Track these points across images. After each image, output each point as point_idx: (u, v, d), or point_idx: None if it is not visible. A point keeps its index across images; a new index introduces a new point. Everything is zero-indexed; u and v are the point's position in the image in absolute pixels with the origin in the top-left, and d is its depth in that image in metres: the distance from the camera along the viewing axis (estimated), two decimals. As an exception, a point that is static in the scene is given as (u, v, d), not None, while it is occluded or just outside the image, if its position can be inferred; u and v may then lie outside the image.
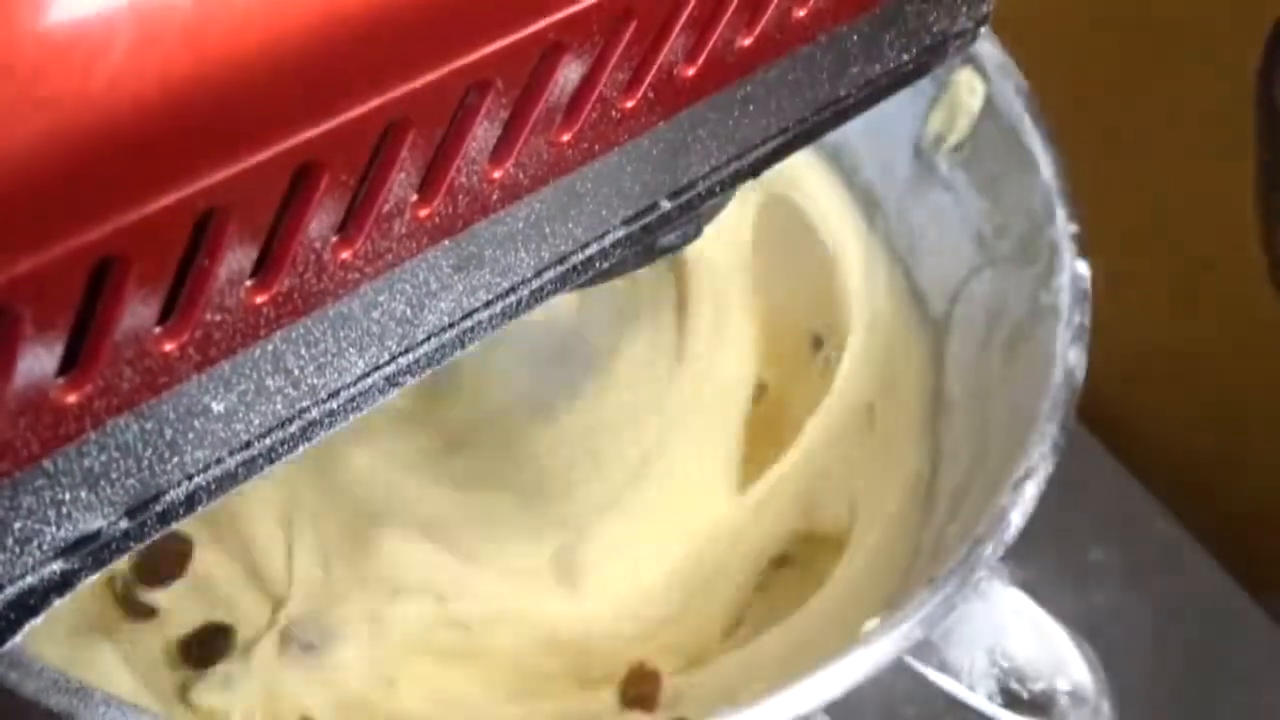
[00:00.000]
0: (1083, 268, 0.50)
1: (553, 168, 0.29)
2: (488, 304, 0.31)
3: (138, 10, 0.20)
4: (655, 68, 0.29)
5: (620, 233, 0.33)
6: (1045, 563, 0.69)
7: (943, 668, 0.46)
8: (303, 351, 0.27)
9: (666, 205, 0.34)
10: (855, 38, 0.35)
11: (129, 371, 0.24)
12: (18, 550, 0.25)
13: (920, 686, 0.46)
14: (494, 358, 0.56)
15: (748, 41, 0.31)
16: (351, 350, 0.29)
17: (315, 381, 0.28)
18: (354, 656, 0.50)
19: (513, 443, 0.56)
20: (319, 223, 0.25)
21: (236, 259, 0.24)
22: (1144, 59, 0.78)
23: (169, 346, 0.24)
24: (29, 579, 0.26)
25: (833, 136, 0.41)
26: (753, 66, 0.32)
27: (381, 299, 0.28)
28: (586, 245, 0.32)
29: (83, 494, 0.25)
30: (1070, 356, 0.48)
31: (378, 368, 0.29)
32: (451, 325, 0.30)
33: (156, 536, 0.27)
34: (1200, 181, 0.81)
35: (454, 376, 0.56)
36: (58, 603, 0.26)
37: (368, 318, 0.28)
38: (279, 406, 0.28)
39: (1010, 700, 0.46)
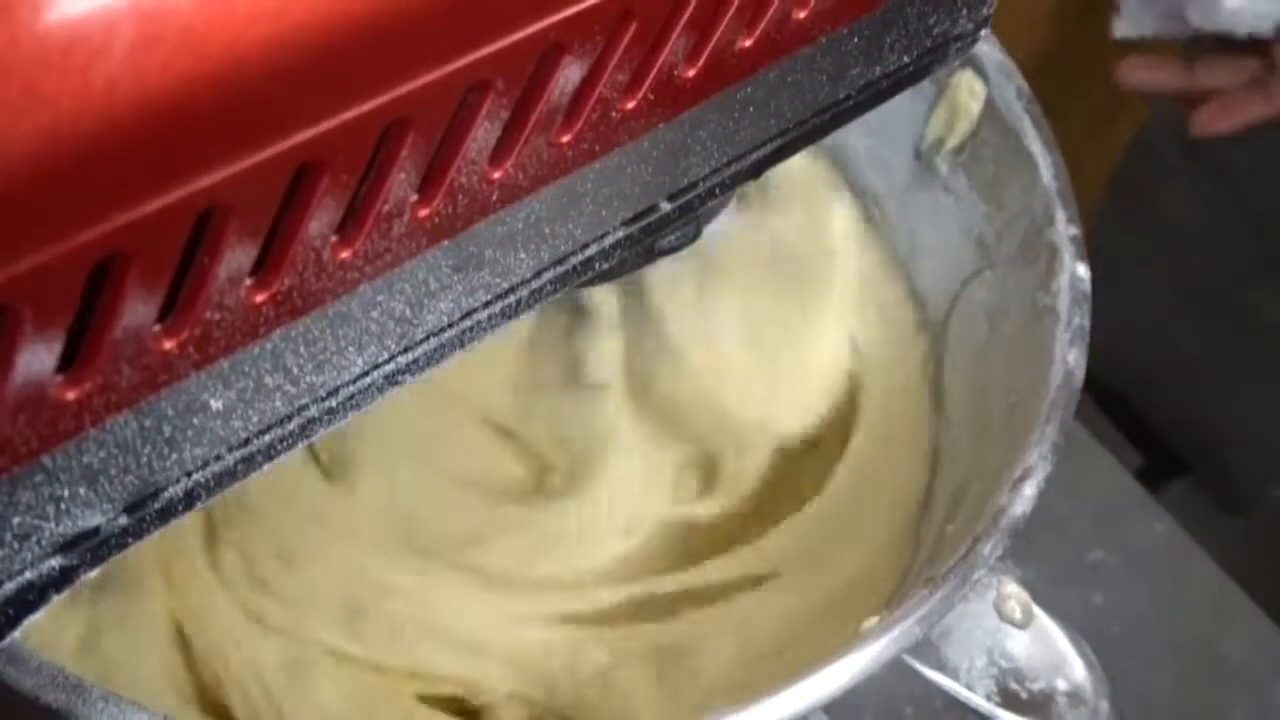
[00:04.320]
0: (1082, 270, 0.50)
1: (553, 169, 0.29)
2: (487, 304, 0.31)
3: (138, 10, 0.20)
4: (656, 69, 0.30)
5: (620, 234, 0.33)
6: (1045, 563, 0.69)
7: (941, 667, 0.46)
8: (302, 350, 0.28)
9: (666, 206, 0.34)
10: (855, 40, 0.35)
11: (128, 369, 0.24)
12: (17, 546, 0.25)
13: (919, 686, 0.46)
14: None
15: (748, 43, 0.31)
16: (351, 349, 0.29)
17: (314, 380, 0.28)
18: None
19: None
20: (319, 222, 0.25)
21: (236, 258, 0.24)
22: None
23: (168, 344, 0.24)
24: (28, 574, 0.26)
25: (833, 138, 0.41)
26: (753, 68, 0.32)
27: (381, 298, 0.28)
28: (586, 246, 0.32)
29: (82, 490, 0.25)
30: (1070, 358, 0.48)
31: (377, 366, 0.30)
32: (451, 325, 0.31)
33: (155, 533, 0.27)
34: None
35: None
36: (56, 599, 0.26)
37: (367, 317, 0.28)
38: (278, 404, 0.28)
39: (1008, 700, 0.46)
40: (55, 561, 0.26)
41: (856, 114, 0.37)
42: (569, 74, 0.27)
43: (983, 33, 0.39)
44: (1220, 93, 0.71)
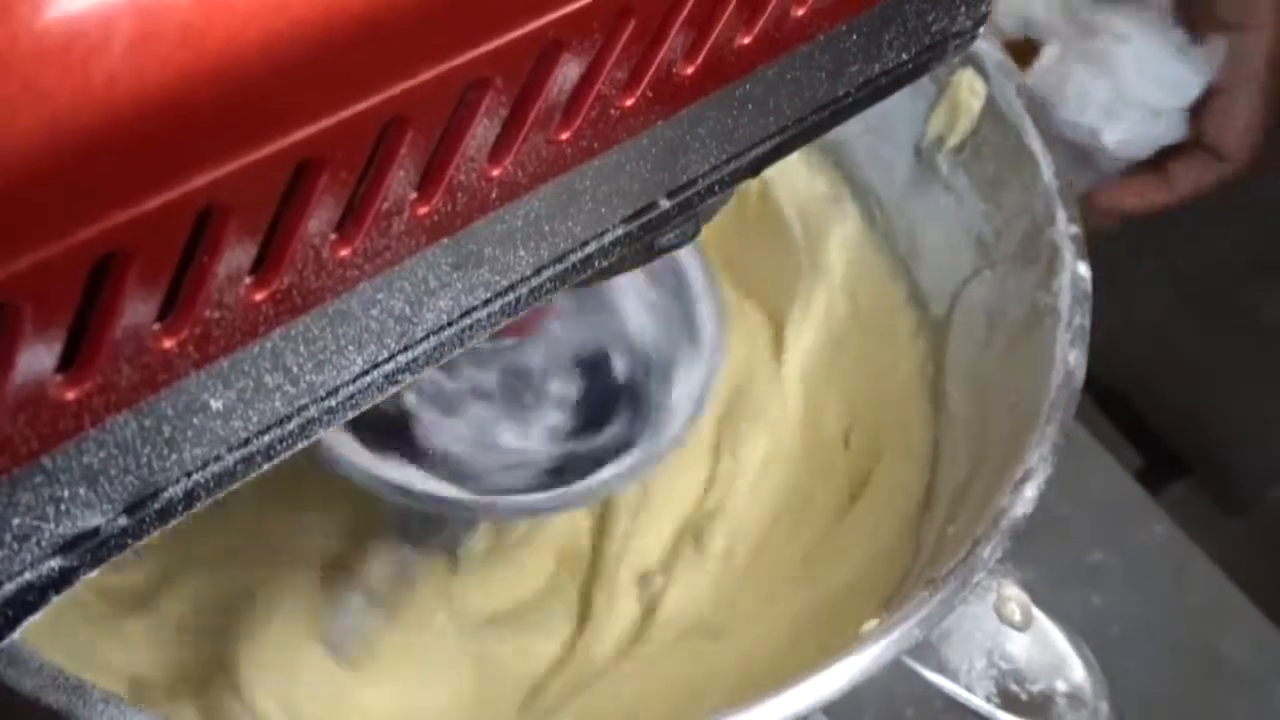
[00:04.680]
0: (1083, 269, 0.50)
1: (552, 166, 0.29)
2: (486, 302, 0.31)
3: (137, 7, 0.20)
4: (654, 66, 0.29)
5: (619, 231, 0.33)
6: (1045, 564, 0.69)
7: (941, 669, 0.46)
8: (301, 349, 0.27)
9: (665, 204, 0.34)
10: (854, 37, 0.35)
11: (128, 368, 0.24)
12: (16, 547, 0.25)
13: (919, 687, 0.46)
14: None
15: (747, 40, 0.31)
16: (350, 348, 0.29)
17: (314, 379, 0.28)
18: None
19: None
20: (318, 220, 0.25)
21: (236, 256, 0.24)
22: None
23: (168, 344, 0.24)
24: (28, 575, 0.26)
25: (833, 136, 0.41)
26: (752, 65, 0.32)
27: (380, 297, 0.28)
28: (585, 244, 0.32)
29: (81, 491, 0.25)
30: (1070, 358, 0.48)
31: (376, 365, 0.29)
32: (450, 323, 0.30)
33: (155, 533, 0.27)
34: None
35: None
36: (55, 599, 0.26)
37: (367, 315, 0.28)
38: (278, 404, 0.28)
39: (1008, 701, 0.46)
40: (55, 562, 0.26)
41: (855, 111, 0.37)
42: (568, 71, 0.27)
43: (981, 30, 0.39)
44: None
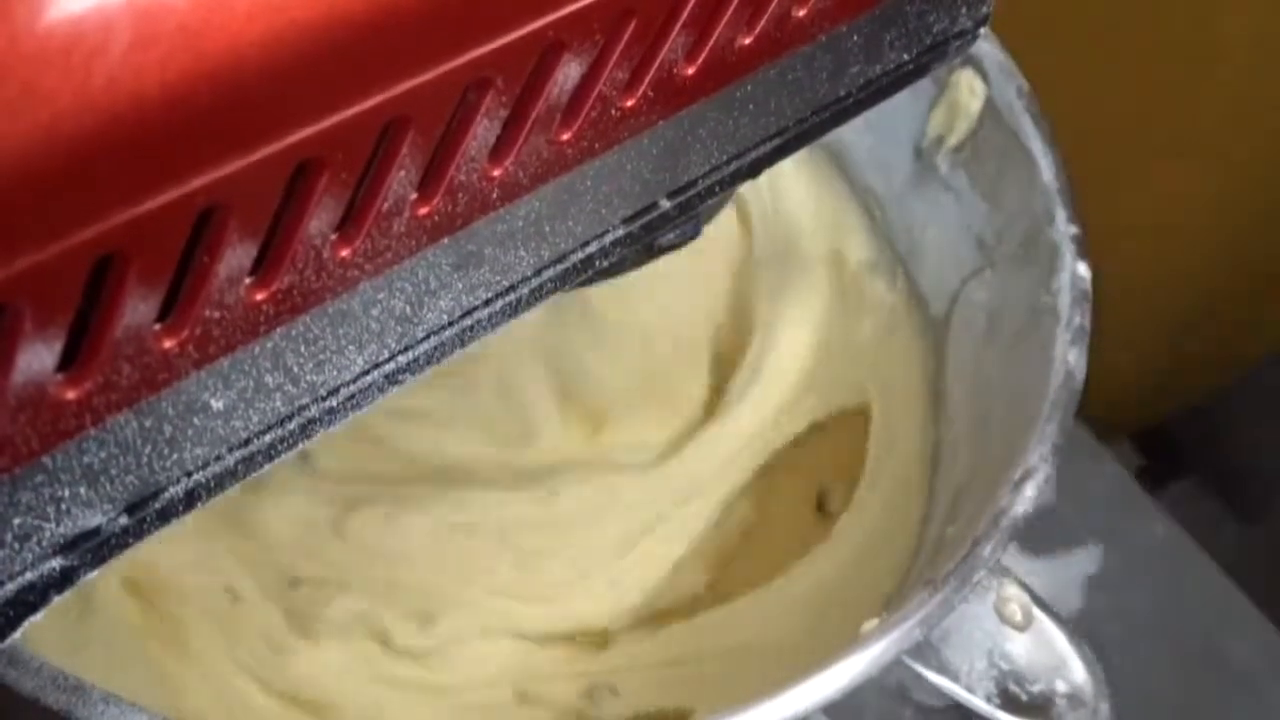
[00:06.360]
0: (1083, 269, 0.50)
1: (553, 166, 0.29)
2: (487, 302, 0.31)
3: (136, 9, 0.20)
4: (655, 67, 0.30)
5: (620, 231, 0.33)
6: (1045, 564, 0.69)
7: (941, 669, 0.46)
8: (302, 349, 0.27)
9: (666, 204, 0.34)
10: (855, 38, 0.35)
11: (128, 368, 0.24)
12: (17, 547, 0.25)
13: (919, 687, 0.46)
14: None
15: (748, 41, 0.31)
16: (351, 348, 0.29)
17: (314, 379, 0.28)
18: None
19: None
20: (319, 221, 0.25)
21: (236, 256, 0.24)
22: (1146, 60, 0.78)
23: (169, 343, 0.24)
24: (28, 575, 0.26)
25: (833, 137, 0.41)
26: (753, 66, 0.32)
27: (381, 297, 0.28)
28: (586, 244, 0.32)
29: (82, 490, 0.25)
30: (1070, 358, 0.48)
31: (377, 365, 0.30)
32: (451, 323, 0.31)
33: (156, 533, 0.27)
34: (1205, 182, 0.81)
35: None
36: (57, 599, 0.26)
37: (367, 315, 0.28)
38: (278, 404, 0.28)
39: (1008, 701, 0.46)
40: (56, 562, 0.26)
41: (856, 112, 0.37)
42: (569, 72, 0.27)
43: (982, 31, 0.39)
44: None
